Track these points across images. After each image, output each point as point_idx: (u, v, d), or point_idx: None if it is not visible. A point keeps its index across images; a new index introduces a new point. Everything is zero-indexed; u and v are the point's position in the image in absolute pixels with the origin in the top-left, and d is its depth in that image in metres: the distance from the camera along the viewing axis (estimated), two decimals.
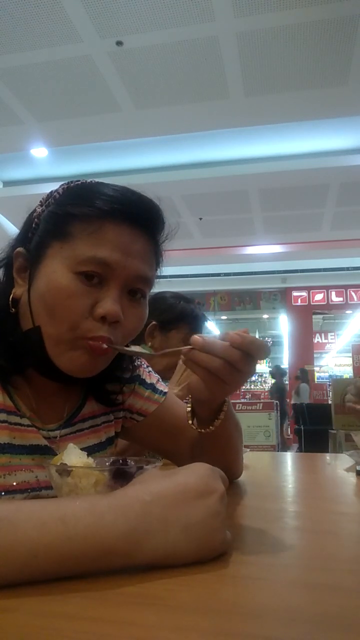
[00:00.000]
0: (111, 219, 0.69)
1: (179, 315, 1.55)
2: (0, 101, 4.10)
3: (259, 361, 0.66)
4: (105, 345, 0.69)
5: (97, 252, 0.67)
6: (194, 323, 1.59)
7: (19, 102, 4.14)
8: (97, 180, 0.76)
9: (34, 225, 0.74)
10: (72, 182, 0.76)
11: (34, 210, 0.76)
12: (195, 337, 0.65)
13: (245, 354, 0.64)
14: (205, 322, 1.66)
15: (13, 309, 0.73)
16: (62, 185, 0.76)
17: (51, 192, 0.76)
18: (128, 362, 0.86)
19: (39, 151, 5.11)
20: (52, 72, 3.76)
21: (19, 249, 0.74)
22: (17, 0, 3.08)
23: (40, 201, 0.76)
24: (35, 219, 0.74)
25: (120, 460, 0.63)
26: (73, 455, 0.60)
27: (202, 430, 0.77)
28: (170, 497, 0.47)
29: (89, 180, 0.76)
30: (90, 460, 0.60)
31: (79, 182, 0.75)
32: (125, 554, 0.44)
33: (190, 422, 0.78)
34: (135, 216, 0.70)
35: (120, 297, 0.70)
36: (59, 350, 0.69)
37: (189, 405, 0.79)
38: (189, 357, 0.65)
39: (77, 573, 0.43)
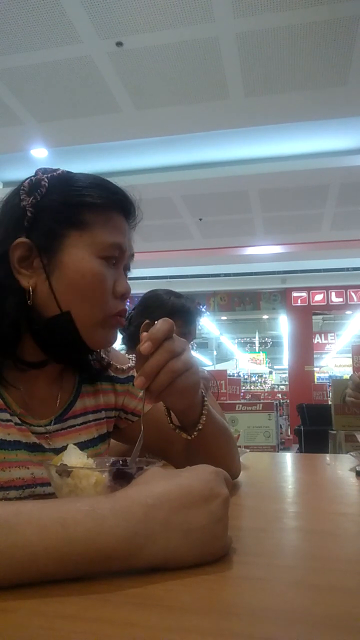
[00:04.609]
0: (115, 208, 0.78)
1: (170, 310, 1.54)
2: (0, 101, 4.10)
3: (172, 336, 0.70)
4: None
5: (116, 239, 0.77)
6: (185, 317, 1.59)
7: (19, 102, 4.14)
8: (66, 170, 0.81)
9: (29, 215, 0.73)
10: (54, 171, 0.78)
11: (21, 200, 0.74)
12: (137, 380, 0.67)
13: (155, 340, 0.67)
14: (199, 316, 1.65)
15: (30, 301, 0.73)
16: (43, 175, 0.76)
17: (32, 180, 0.76)
18: None
19: (39, 151, 5.10)
20: (52, 72, 3.75)
21: (22, 239, 0.73)
22: (17, 0, 3.08)
23: (23, 189, 0.75)
24: (30, 209, 0.74)
25: (121, 461, 0.63)
26: (73, 456, 0.60)
27: (189, 437, 0.78)
28: (173, 501, 0.47)
29: (65, 171, 0.80)
30: (90, 461, 0.60)
31: (66, 172, 0.80)
32: (126, 557, 0.44)
33: (175, 430, 0.79)
34: (127, 205, 0.80)
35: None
36: (93, 330, 0.76)
37: (169, 420, 0.79)
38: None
39: (77, 576, 0.43)
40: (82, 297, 0.74)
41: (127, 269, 0.83)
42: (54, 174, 0.78)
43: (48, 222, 0.73)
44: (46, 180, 0.76)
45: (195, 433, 0.77)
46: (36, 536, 0.42)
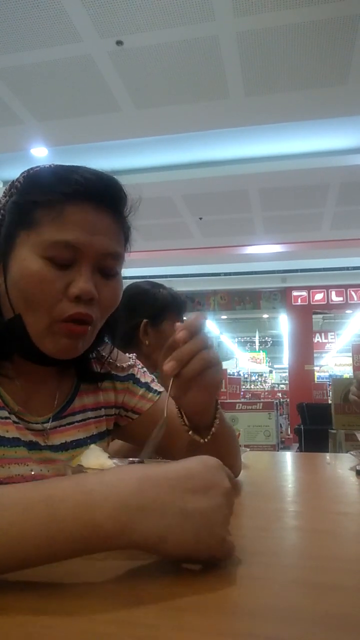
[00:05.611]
0: (73, 200, 0.70)
1: (162, 303, 1.54)
2: (0, 101, 4.10)
3: (204, 331, 0.69)
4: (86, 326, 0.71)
5: (63, 236, 0.69)
6: (178, 306, 1.60)
7: (19, 102, 4.14)
8: (55, 164, 0.77)
9: (0, 217, 0.75)
10: (31, 169, 0.77)
11: None
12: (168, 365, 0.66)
13: (191, 329, 0.67)
14: (184, 302, 1.65)
15: None
16: (22, 173, 0.77)
17: (12, 181, 0.76)
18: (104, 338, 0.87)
19: (39, 151, 5.10)
20: (52, 72, 3.75)
21: None
22: (17, 0, 3.08)
23: (4, 192, 0.77)
24: (2, 211, 0.75)
25: (137, 462, 0.63)
26: (91, 457, 0.59)
27: (204, 440, 0.76)
28: (171, 479, 0.45)
29: (48, 165, 0.76)
30: (110, 462, 0.60)
31: (38, 168, 0.76)
32: (117, 534, 0.42)
33: (190, 433, 0.76)
34: (97, 194, 0.71)
35: (92, 275, 0.71)
36: (42, 335, 0.71)
37: (182, 421, 0.77)
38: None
39: (68, 557, 0.42)
40: (25, 300, 0.70)
41: (108, 270, 0.73)
42: (31, 171, 0.76)
43: (6, 224, 0.74)
44: (20, 180, 0.76)
45: (209, 437, 0.76)
46: (22, 516, 0.41)
